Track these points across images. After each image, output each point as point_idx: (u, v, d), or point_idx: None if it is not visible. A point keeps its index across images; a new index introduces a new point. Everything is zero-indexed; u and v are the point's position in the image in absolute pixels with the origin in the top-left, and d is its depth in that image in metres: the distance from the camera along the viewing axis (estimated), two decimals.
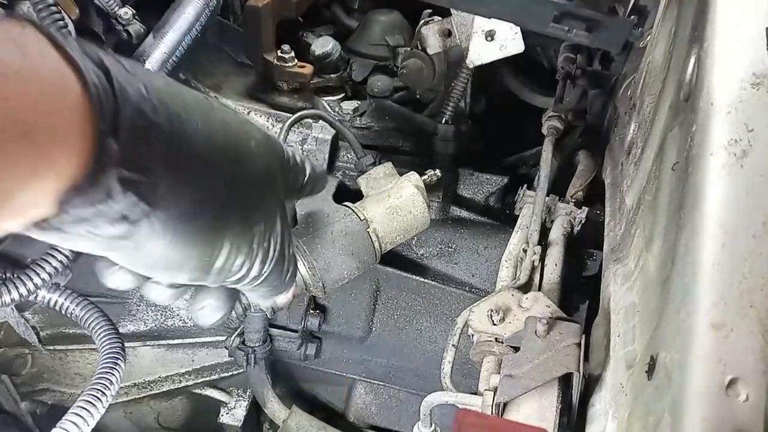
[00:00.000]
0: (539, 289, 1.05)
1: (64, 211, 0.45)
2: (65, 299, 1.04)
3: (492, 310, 0.97)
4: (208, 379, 1.48)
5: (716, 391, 0.55)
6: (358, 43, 1.51)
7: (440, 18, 1.37)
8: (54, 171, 0.42)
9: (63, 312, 1.04)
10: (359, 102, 1.47)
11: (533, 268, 1.08)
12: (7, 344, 1.42)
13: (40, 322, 1.41)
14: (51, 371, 1.45)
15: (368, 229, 1.20)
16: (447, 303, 1.36)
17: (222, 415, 1.51)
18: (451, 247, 1.38)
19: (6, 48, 0.39)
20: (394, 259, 1.34)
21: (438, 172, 1.28)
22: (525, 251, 1.10)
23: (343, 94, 1.48)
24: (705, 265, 0.59)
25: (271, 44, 1.42)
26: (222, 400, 1.53)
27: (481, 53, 1.27)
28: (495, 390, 0.86)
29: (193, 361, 1.46)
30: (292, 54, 1.43)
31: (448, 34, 1.36)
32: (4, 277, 0.94)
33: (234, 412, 1.52)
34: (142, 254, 0.53)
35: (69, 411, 0.93)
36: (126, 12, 1.22)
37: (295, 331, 1.37)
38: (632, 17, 0.98)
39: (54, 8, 0.94)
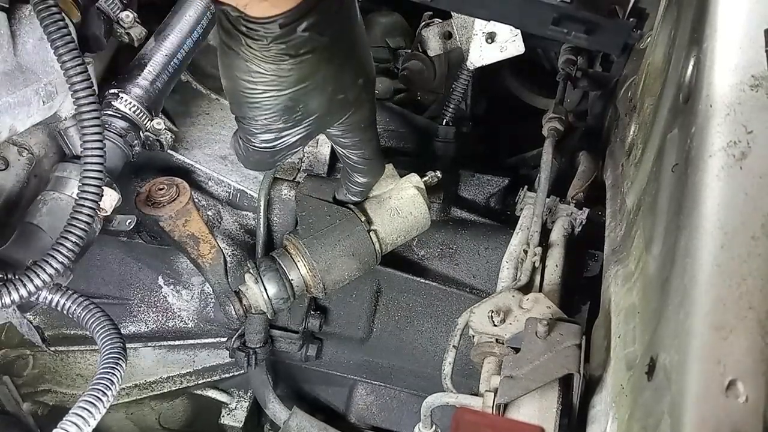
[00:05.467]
0: (540, 290, 1.05)
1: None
2: (66, 300, 1.04)
3: (493, 311, 0.97)
4: (209, 380, 1.48)
5: (716, 392, 0.55)
6: None
7: (441, 20, 1.37)
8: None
9: (64, 313, 1.04)
10: None
11: (534, 269, 1.08)
12: (9, 345, 1.42)
13: (42, 323, 1.41)
14: (52, 372, 1.45)
15: (369, 231, 1.20)
16: (448, 304, 1.36)
17: (223, 416, 1.52)
18: (452, 248, 1.38)
19: None
20: (394, 260, 1.34)
21: (439, 173, 1.28)
22: (526, 252, 1.10)
23: None
24: (704, 266, 0.59)
25: None
26: (223, 401, 1.53)
27: (481, 55, 1.27)
28: (495, 391, 0.86)
29: (194, 362, 1.46)
30: None
31: (448, 36, 1.36)
32: (5, 278, 0.95)
33: (235, 413, 1.52)
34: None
35: (70, 411, 0.93)
36: (127, 15, 1.23)
37: (296, 332, 1.37)
38: (631, 20, 0.98)
39: (55, 10, 0.94)
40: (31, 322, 1.31)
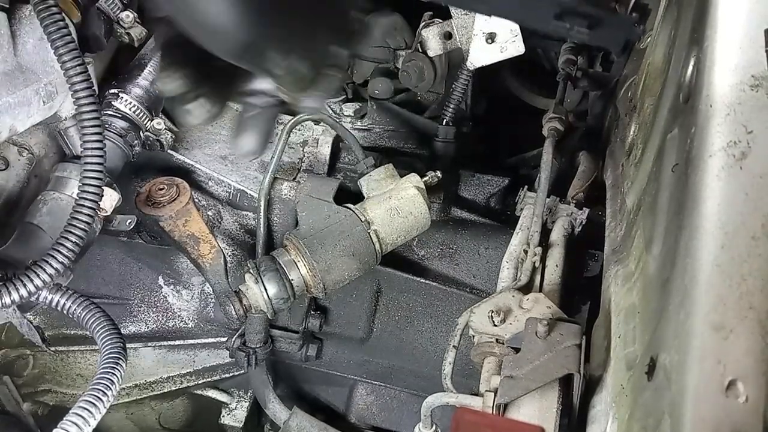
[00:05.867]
0: (540, 290, 1.05)
1: None
2: (67, 300, 1.04)
3: (493, 311, 0.97)
4: (209, 380, 1.48)
5: (715, 392, 0.55)
6: None
7: (441, 20, 1.37)
8: None
9: (65, 312, 1.04)
10: (360, 104, 1.47)
11: (534, 269, 1.08)
12: (9, 345, 1.42)
13: (42, 323, 1.41)
14: (53, 372, 1.45)
15: (369, 231, 1.20)
16: (448, 304, 1.36)
17: (223, 416, 1.52)
18: (452, 248, 1.38)
19: None
20: (395, 260, 1.34)
21: (439, 173, 1.28)
22: (526, 252, 1.10)
23: (344, 96, 1.49)
24: (704, 266, 0.59)
25: None
26: (223, 401, 1.53)
27: (481, 55, 1.27)
28: (496, 391, 0.86)
29: (194, 362, 1.46)
30: None
31: (448, 36, 1.36)
32: (5, 278, 0.95)
33: (235, 413, 1.52)
34: None
35: (70, 411, 0.93)
36: (128, 15, 1.23)
37: (296, 332, 1.37)
38: (633, 15, 0.98)
39: (55, 10, 0.94)
40: (31, 322, 1.31)
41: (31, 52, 1.04)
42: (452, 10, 1.29)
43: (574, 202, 1.24)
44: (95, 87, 1.13)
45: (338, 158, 1.41)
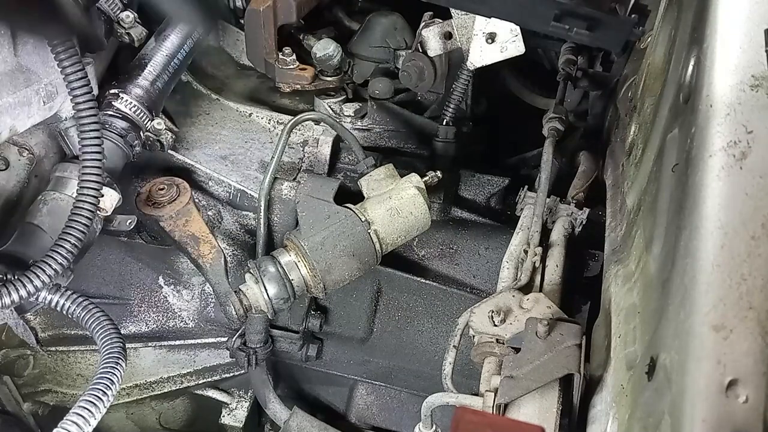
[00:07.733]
0: (540, 290, 1.05)
1: None
2: (66, 300, 1.04)
3: (493, 311, 0.97)
4: (209, 380, 1.49)
5: (716, 392, 0.55)
6: (359, 45, 1.51)
7: (441, 20, 1.37)
8: None
9: (64, 313, 1.04)
10: (360, 104, 1.47)
11: (534, 269, 1.08)
12: (10, 345, 1.42)
13: (42, 323, 1.41)
14: (53, 372, 1.45)
15: (369, 231, 1.20)
16: (448, 304, 1.36)
17: (223, 416, 1.52)
18: (452, 248, 1.38)
19: None
20: (395, 260, 1.34)
21: (439, 173, 1.28)
22: (526, 252, 1.10)
23: (344, 96, 1.48)
24: (704, 266, 0.59)
25: (272, 47, 1.43)
26: (223, 401, 1.53)
27: (481, 55, 1.27)
28: (496, 391, 0.86)
29: (194, 362, 1.46)
30: (294, 56, 1.43)
31: (448, 36, 1.35)
32: (5, 278, 0.95)
33: (235, 413, 1.52)
34: None
35: (70, 411, 0.93)
36: (128, 15, 1.23)
37: (297, 332, 1.37)
38: (633, 16, 0.98)
39: None
40: (30, 323, 1.31)
41: (31, 52, 1.04)
42: (452, 10, 1.29)
43: (574, 202, 1.24)
44: (95, 88, 1.13)
45: (338, 158, 1.41)
